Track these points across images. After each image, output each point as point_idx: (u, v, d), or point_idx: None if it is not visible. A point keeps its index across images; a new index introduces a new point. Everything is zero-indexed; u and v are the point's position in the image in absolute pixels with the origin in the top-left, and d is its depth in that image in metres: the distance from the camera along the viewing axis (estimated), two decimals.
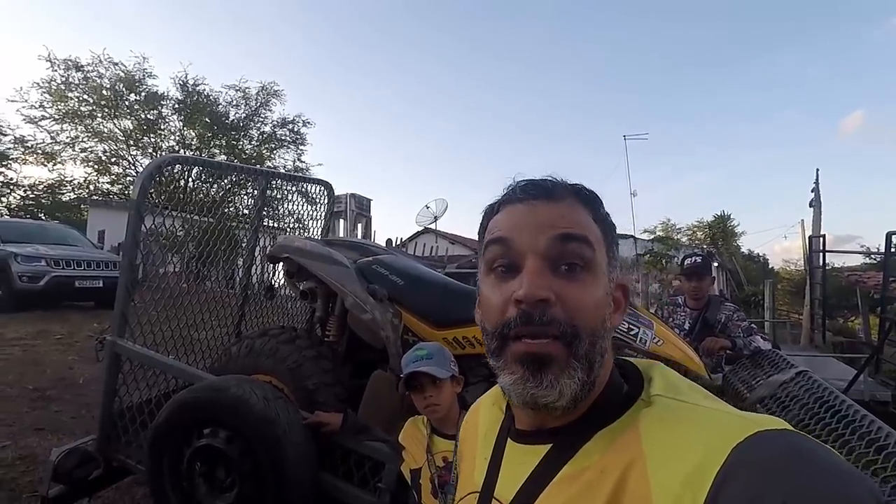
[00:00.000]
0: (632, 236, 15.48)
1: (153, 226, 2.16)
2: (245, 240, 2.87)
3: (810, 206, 8.03)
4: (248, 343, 2.17)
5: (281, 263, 2.52)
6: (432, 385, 1.41)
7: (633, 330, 2.26)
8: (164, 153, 19.76)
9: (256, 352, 2.12)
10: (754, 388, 2.47)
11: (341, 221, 20.81)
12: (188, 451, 1.81)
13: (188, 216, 2.47)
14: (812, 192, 8.09)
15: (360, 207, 20.00)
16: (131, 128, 18.81)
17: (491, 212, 0.56)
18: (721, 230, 19.43)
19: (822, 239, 6.78)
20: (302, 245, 2.31)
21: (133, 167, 19.37)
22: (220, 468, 1.79)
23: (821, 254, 6.72)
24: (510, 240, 0.51)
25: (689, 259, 3.19)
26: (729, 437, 0.38)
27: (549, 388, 0.47)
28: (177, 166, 2.20)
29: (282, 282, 2.82)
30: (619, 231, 0.60)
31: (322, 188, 3.48)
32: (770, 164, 63.50)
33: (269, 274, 3.11)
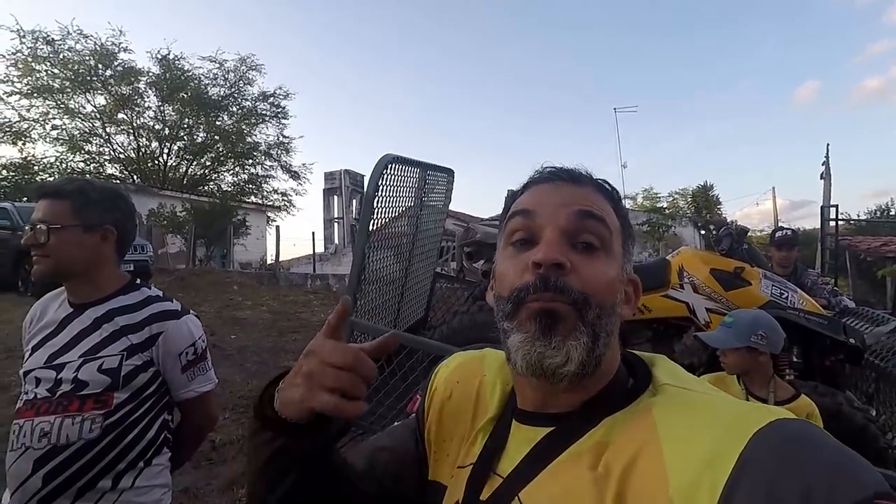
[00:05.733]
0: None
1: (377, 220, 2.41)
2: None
3: (821, 178, 8.67)
4: (470, 317, 2.47)
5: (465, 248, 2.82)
6: None
7: (783, 294, 2.71)
8: (142, 131, 18.88)
9: (480, 324, 2.43)
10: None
11: (335, 198, 20.56)
12: None
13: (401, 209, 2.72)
14: (823, 164, 8.72)
15: (355, 184, 19.83)
16: (105, 104, 17.82)
17: (515, 194, 0.58)
18: (704, 200, 20.61)
19: (835, 209, 7.47)
20: (492, 231, 2.63)
21: (109, 145, 18.41)
22: None
23: (834, 222, 7.38)
24: (532, 212, 0.53)
25: (780, 232, 3.68)
26: (750, 423, 0.39)
27: (557, 349, 0.47)
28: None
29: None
30: None
31: (445, 175, 3.73)
32: (732, 134, 66.26)
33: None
